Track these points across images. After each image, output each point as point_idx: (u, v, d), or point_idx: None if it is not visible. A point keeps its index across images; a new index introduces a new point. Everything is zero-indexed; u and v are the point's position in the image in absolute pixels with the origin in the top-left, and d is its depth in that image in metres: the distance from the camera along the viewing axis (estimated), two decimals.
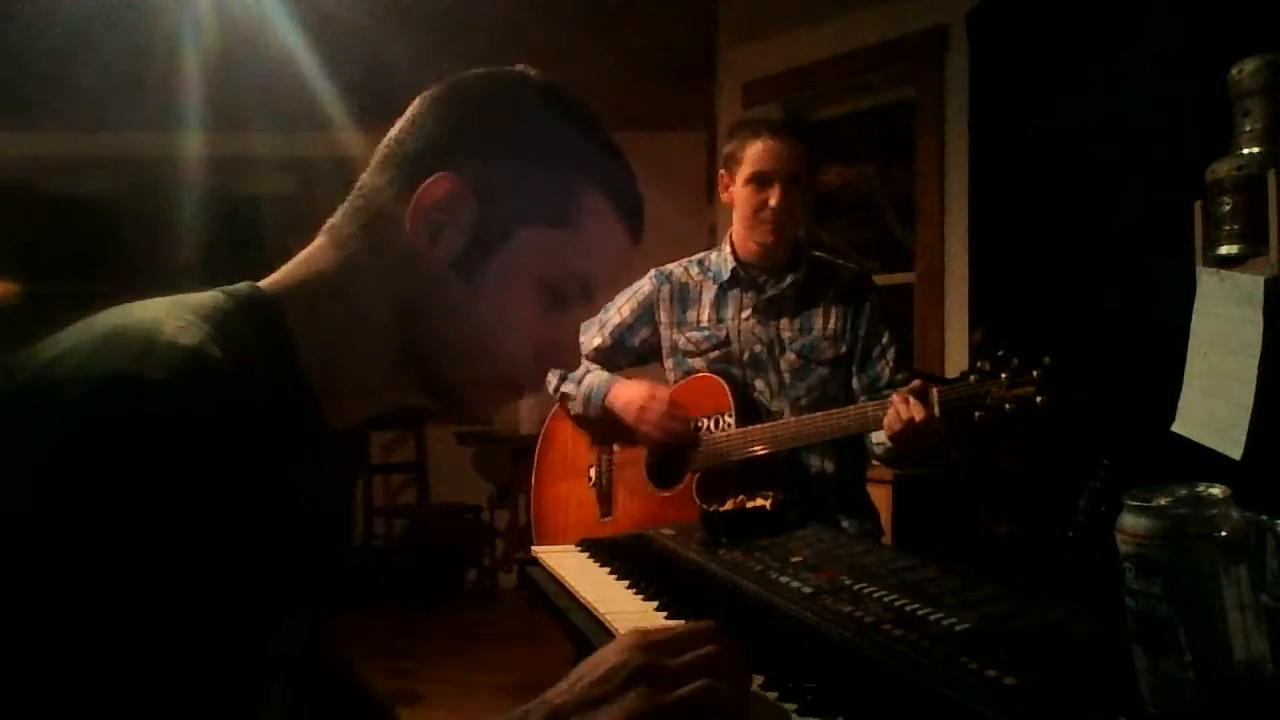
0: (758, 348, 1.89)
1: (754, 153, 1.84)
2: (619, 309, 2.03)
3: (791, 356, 1.87)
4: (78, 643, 0.52)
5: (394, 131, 0.78)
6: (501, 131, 0.76)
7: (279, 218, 5.03)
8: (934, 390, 1.56)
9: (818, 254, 1.97)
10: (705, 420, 1.88)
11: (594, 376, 1.98)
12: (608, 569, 1.27)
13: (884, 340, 1.87)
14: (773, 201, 1.82)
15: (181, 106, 3.87)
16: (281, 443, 0.68)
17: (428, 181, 0.73)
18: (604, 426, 1.98)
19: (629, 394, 1.90)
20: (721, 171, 1.93)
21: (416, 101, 0.79)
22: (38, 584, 0.53)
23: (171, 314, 0.65)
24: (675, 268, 2.01)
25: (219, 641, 0.58)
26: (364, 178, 0.79)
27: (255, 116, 4.16)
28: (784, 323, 1.89)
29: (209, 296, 0.71)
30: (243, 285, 0.74)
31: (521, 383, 0.81)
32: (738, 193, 1.88)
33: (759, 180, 1.83)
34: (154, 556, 0.55)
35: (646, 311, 2.01)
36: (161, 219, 4.65)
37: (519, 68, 0.80)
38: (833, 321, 1.87)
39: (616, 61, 4.18)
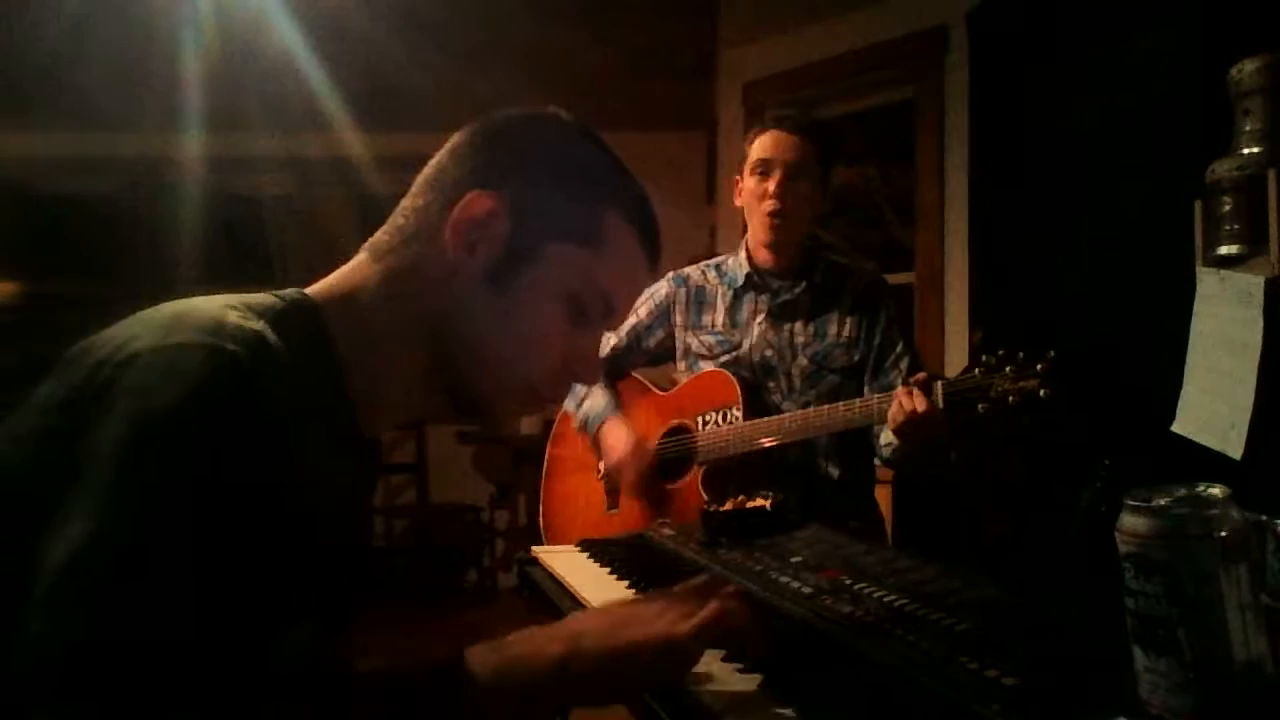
0: (769, 353, 1.88)
1: (758, 144, 1.86)
2: (635, 310, 2.04)
3: (804, 362, 1.87)
4: (131, 578, 0.56)
5: (434, 160, 0.85)
6: (536, 157, 0.83)
7: (279, 218, 5.03)
8: (938, 383, 1.56)
9: (834, 257, 1.96)
10: (713, 414, 1.88)
11: (592, 404, 2.00)
12: (607, 569, 1.27)
13: (898, 349, 1.85)
14: (771, 188, 1.82)
15: (181, 106, 3.87)
16: (321, 441, 0.72)
17: (467, 198, 0.79)
18: (597, 449, 2.01)
19: (614, 439, 1.92)
20: (736, 176, 1.94)
21: (457, 135, 0.86)
22: (108, 526, 0.56)
23: (231, 306, 0.70)
24: (693, 271, 2.02)
25: (248, 612, 0.61)
26: (404, 202, 0.85)
27: (255, 116, 4.15)
28: (797, 327, 1.88)
29: (263, 296, 0.76)
30: (291, 290, 0.79)
31: (545, 394, 0.86)
32: (745, 187, 1.89)
33: (761, 169, 1.84)
34: (215, 518, 0.59)
35: (663, 314, 2.02)
36: (161, 219, 4.65)
37: (551, 108, 0.87)
38: (847, 329, 1.86)
39: (616, 61, 4.17)
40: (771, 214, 1.83)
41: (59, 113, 4.44)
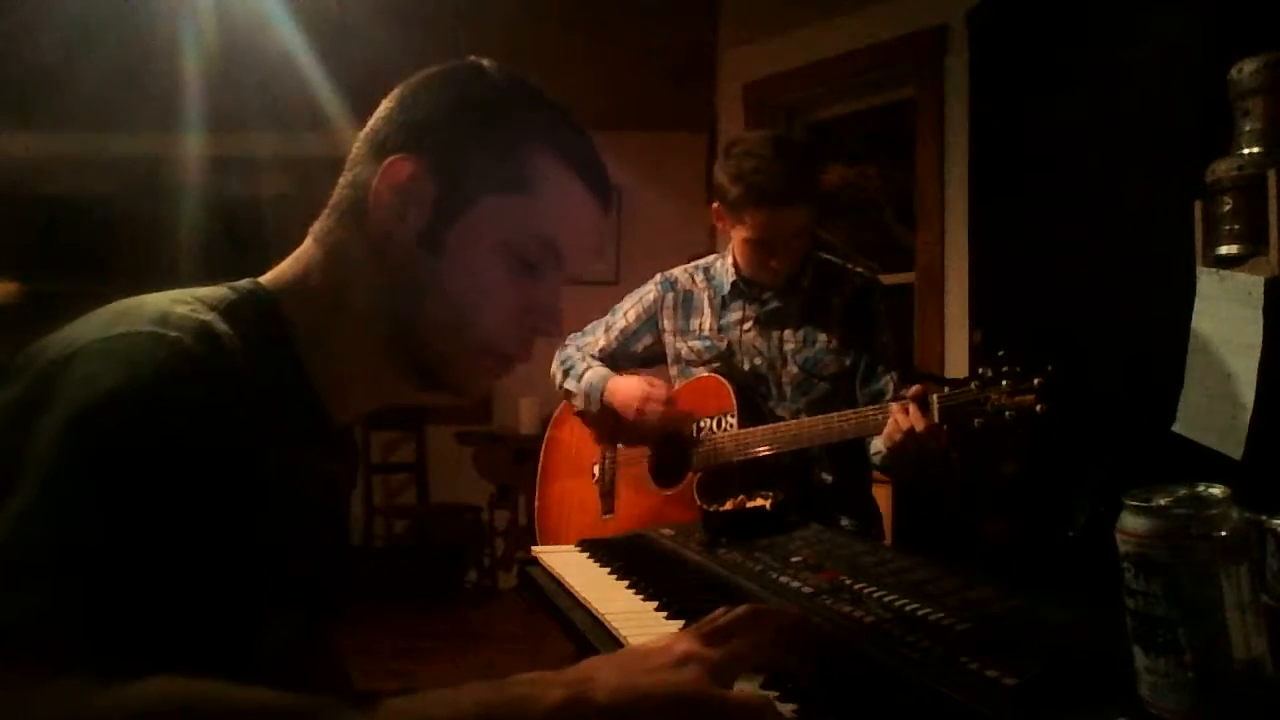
0: (758, 360, 1.87)
1: (755, 221, 1.74)
2: (624, 313, 2.03)
3: (793, 370, 1.85)
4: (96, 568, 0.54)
5: (364, 130, 0.83)
6: (453, 111, 0.80)
7: (279, 218, 5.02)
8: (934, 397, 1.54)
9: (826, 257, 1.92)
10: (708, 420, 1.87)
11: (593, 373, 1.99)
12: (608, 569, 1.27)
13: (889, 356, 1.84)
14: (774, 264, 1.79)
15: (181, 106, 3.87)
16: (283, 429, 0.70)
17: (385, 164, 0.77)
18: (608, 423, 1.98)
19: (626, 389, 1.90)
20: (715, 203, 1.84)
21: (383, 101, 0.83)
22: (59, 517, 0.55)
23: (180, 299, 0.70)
24: (680, 274, 2.00)
25: (206, 595, 0.59)
26: (342, 177, 0.82)
27: (255, 116, 4.16)
28: (786, 334, 1.86)
29: (215, 289, 0.75)
30: (244, 281, 0.78)
31: (508, 352, 0.83)
32: (738, 243, 1.83)
33: (762, 245, 1.78)
34: (160, 498, 0.58)
35: (651, 318, 2.00)
36: (161, 219, 4.65)
37: (471, 59, 0.84)
38: (837, 335, 1.83)
39: (616, 61, 4.17)
40: (776, 273, 1.81)
41: (59, 113, 4.44)
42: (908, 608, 0.91)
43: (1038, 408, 1.42)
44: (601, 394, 1.94)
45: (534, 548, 1.49)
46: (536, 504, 2.18)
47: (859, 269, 1.93)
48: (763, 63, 3.65)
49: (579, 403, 2.02)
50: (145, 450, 0.58)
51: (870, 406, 1.67)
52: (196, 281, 0.75)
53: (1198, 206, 1.26)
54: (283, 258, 0.83)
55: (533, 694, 0.59)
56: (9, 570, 0.53)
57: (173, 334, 0.63)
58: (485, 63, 0.83)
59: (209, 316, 0.68)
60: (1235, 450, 1.11)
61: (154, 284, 0.75)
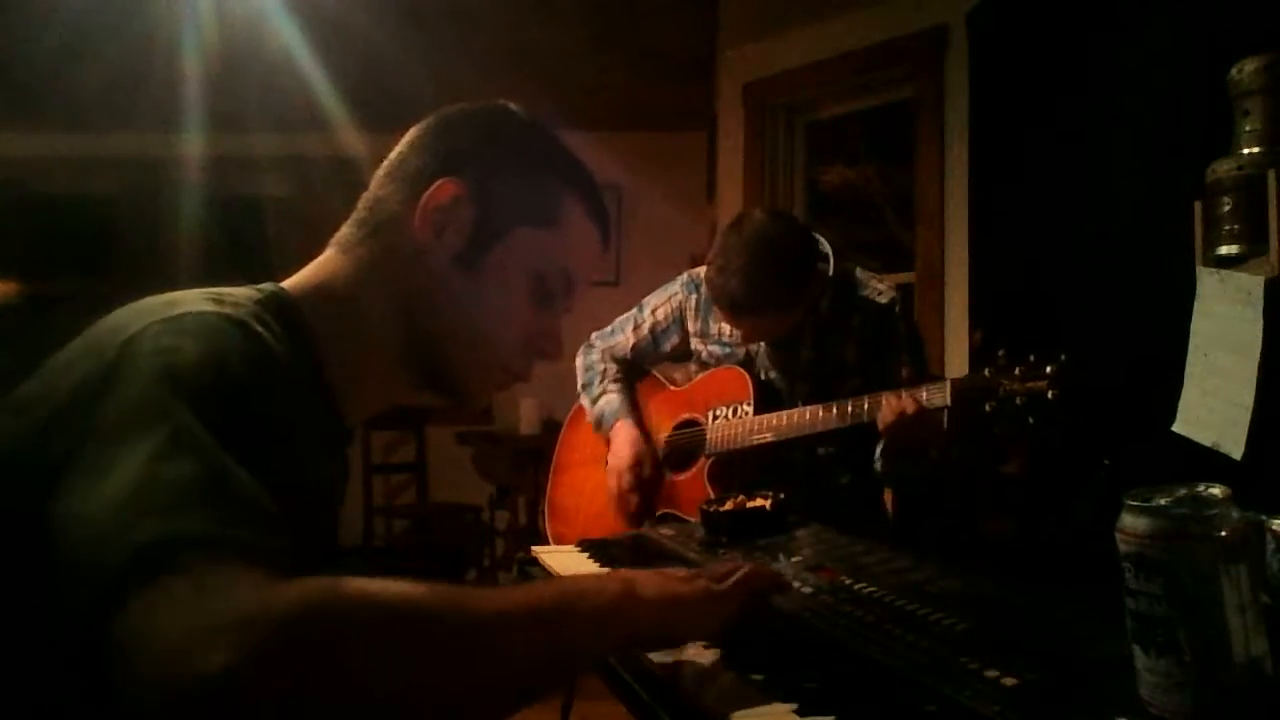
0: (774, 374, 1.89)
1: (732, 326, 1.85)
2: (652, 310, 2.04)
3: (807, 387, 1.85)
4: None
5: (395, 152, 0.89)
6: (495, 146, 0.87)
7: (279, 218, 5.03)
8: (948, 380, 1.57)
9: (846, 275, 1.86)
10: (724, 409, 1.88)
11: (607, 401, 2.01)
12: (608, 569, 1.27)
13: (906, 375, 1.80)
14: (752, 349, 1.86)
15: (181, 106, 3.87)
16: (306, 425, 0.73)
17: (433, 186, 0.83)
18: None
19: (621, 443, 1.93)
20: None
21: (414, 128, 0.90)
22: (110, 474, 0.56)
23: (212, 297, 0.73)
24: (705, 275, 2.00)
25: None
26: (368, 193, 0.88)
27: (255, 116, 4.16)
28: (804, 352, 1.87)
29: (239, 289, 0.78)
30: (267, 284, 0.81)
31: (514, 370, 0.90)
32: None
33: (749, 340, 1.86)
34: (253, 453, 0.60)
35: (678, 318, 2.01)
36: (161, 219, 4.65)
37: (501, 101, 0.92)
38: (855, 354, 1.83)
39: (617, 62, 4.17)
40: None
41: (59, 113, 4.44)
42: (908, 608, 0.91)
43: (1049, 394, 1.43)
44: (610, 429, 1.98)
45: (534, 548, 1.49)
46: (549, 489, 2.20)
47: (881, 285, 1.87)
48: (763, 63, 3.65)
49: (591, 419, 2.06)
50: (234, 410, 0.62)
51: (883, 392, 1.66)
52: (196, 281, 0.77)
53: (1198, 206, 1.25)
54: (283, 258, 0.85)
55: (596, 587, 0.73)
56: (152, 504, 0.54)
57: (231, 311, 0.69)
58: (512, 105, 0.91)
59: (243, 313, 0.71)
60: (1235, 450, 1.11)
61: (154, 284, 0.76)
